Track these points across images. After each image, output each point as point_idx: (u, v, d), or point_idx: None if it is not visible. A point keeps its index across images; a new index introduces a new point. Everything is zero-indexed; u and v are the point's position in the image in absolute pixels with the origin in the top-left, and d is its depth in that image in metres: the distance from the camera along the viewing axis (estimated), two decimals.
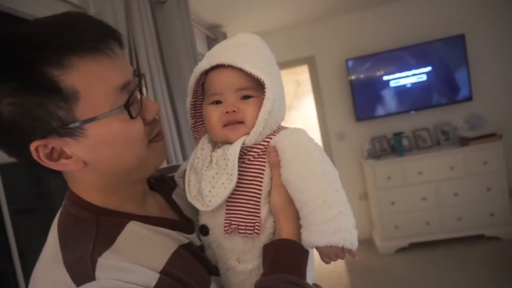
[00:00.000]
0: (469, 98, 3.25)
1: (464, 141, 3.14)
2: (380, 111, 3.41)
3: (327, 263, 0.56)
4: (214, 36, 2.85)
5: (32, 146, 0.47)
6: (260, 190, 0.60)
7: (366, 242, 3.47)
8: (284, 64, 3.38)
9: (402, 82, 3.33)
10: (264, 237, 0.60)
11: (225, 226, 0.60)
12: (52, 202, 1.37)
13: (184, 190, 0.64)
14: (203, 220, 0.63)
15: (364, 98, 3.41)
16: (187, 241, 0.59)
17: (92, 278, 0.44)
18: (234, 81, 0.61)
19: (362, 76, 3.41)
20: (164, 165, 0.86)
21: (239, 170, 0.59)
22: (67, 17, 0.48)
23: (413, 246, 3.22)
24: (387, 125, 3.48)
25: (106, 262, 0.46)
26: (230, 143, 0.61)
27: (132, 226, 0.53)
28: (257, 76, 0.59)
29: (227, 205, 0.61)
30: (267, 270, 0.55)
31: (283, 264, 0.54)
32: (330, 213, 0.53)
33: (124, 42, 0.53)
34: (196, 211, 0.64)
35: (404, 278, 2.83)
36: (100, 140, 0.49)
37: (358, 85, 3.40)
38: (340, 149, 3.61)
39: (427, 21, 3.33)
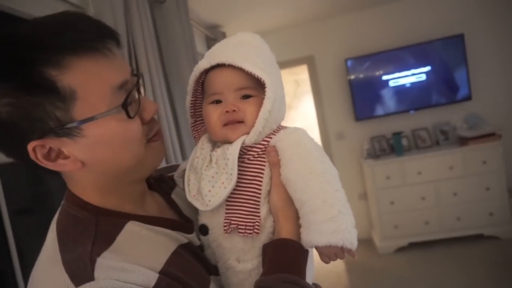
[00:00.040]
0: (468, 98, 3.25)
1: (463, 141, 3.14)
2: (379, 111, 3.41)
3: (327, 263, 0.56)
4: (214, 36, 2.84)
5: (30, 147, 0.47)
6: (260, 189, 0.60)
7: (365, 242, 3.47)
8: (284, 64, 3.38)
9: (401, 81, 3.33)
10: (264, 237, 0.60)
11: (224, 226, 0.60)
12: (51, 202, 1.37)
13: (183, 189, 0.64)
14: (203, 219, 0.63)
15: (363, 98, 3.41)
16: (186, 240, 0.59)
17: (91, 278, 0.44)
18: (234, 81, 0.61)
19: (361, 76, 3.41)
20: (163, 164, 0.86)
21: (238, 170, 0.59)
22: (64, 17, 0.48)
23: (412, 245, 3.22)
24: (387, 125, 3.48)
25: (105, 262, 0.46)
26: (230, 142, 0.61)
27: (131, 226, 0.53)
28: (258, 76, 0.59)
29: (227, 205, 0.61)
30: (266, 269, 0.55)
31: (283, 264, 0.54)
32: (330, 213, 0.52)
33: (121, 41, 0.53)
34: (195, 210, 0.64)
35: (403, 278, 2.83)
36: (98, 140, 0.49)
37: (358, 85, 3.41)
38: (340, 149, 3.61)
39: (426, 21, 3.33)
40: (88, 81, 0.46)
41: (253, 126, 0.60)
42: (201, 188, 0.60)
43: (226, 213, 0.60)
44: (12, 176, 1.15)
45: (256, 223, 0.59)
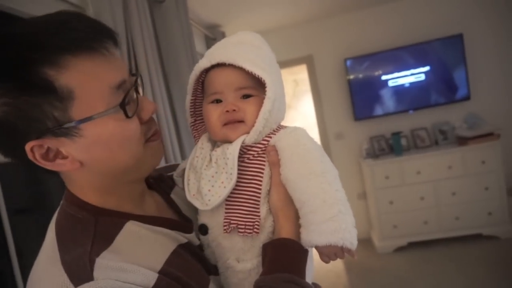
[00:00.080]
0: (467, 98, 3.26)
1: (462, 141, 3.15)
2: (378, 110, 3.42)
3: (327, 262, 0.56)
4: (213, 35, 2.84)
5: (28, 147, 0.46)
6: (260, 189, 0.60)
7: (364, 242, 3.47)
8: (283, 64, 3.37)
9: (401, 81, 3.34)
10: (264, 237, 0.60)
11: (224, 225, 0.60)
12: (50, 202, 1.37)
13: (183, 189, 0.64)
14: (202, 219, 0.63)
15: (362, 97, 3.42)
16: (185, 240, 0.59)
17: (90, 278, 0.44)
18: (234, 80, 0.61)
19: (360, 75, 3.41)
20: (163, 164, 0.86)
21: (238, 169, 0.59)
22: (61, 16, 0.48)
23: (411, 245, 3.23)
24: (386, 125, 3.49)
25: (104, 262, 0.46)
26: (230, 142, 0.61)
27: (131, 226, 0.53)
28: (258, 75, 0.59)
29: (227, 204, 0.61)
30: (266, 269, 0.55)
31: (283, 264, 0.54)
32: (329, 213, 0.52)
33: (119, 41, 0.52)
34: (195, 210, 0.64)
35: (402, 277, 2.84)
36: (96, 140, 0.49)
37: (357, 84, 3.41)
38: (339, 149, 3.61)
39: (425, 20, 3.33)
40: (85, 80, 0.46)
41: (253, 125, 0.60)
42: (200, 188, 0.60)
43: (226, 212, 0.60)
44: (11, 176, 1.15)
45: (256, 223, 0.59)
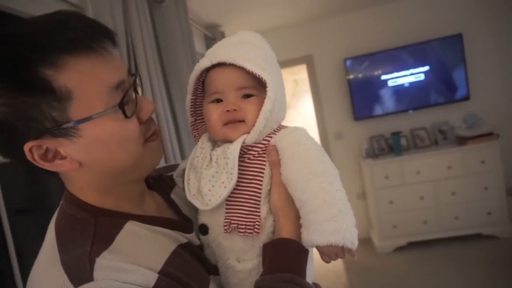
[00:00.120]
0: (466, 98, 3.26)
1: (461, 141, 3.15)
2: (378, 110, 3.42)
3: (327, 262, 0.56)
4: (212, 35, 2.84)
5: (26, 147, 0.46)
6: (260, 189, 0.60)
7: (364, 241, 3.48)
8: (282, 64, 3.36)
9: (400, 81, 3.34)
10: (264, 236, 0.60)
11: (224, 225, 0.60)
12: (50, 202, 1.37)
13: (183, 189, 0.63)
14: (203, 219, 0.63)
15: (362, 97, 3.42)
16: (185, 240, 0.59)
17: (90, 278, 0.44)
18: (235, 80, 0.61)
19: (360, 75, 3.41)
20: (162, 164, 0.86)
21: (239, 169, 0.59)
22: (59, 16, 0.48)
23: (411, 245, 3.23)
24: (385, 125, 3.49)
25: (104, 263, 0.46)
26: (230, 142, 0.61)
27: (131, 226, 0.53)
28: (259, 75, 0.59)
29: (227, 204, 0.60)
30: (266, 269, 0.55)
31: (283, 264, 0.54)
32: (330, 212, 0.52)
33: (117, 40, 0.52)
34: (195, 210, 0.64)
35: (402, 277, 2.84)
36: (95, 140, 0.48)
37: (356, 84, 3.41)
38: (338, 149, 3.61)
39: (424, 20, 3.34)
40: (84, 80, 0.46)
41: (253, 125, 0.60)
42: (201, 188, 0.60)
43: (226, 212, 0.60)
44: (10, 176, 1.15)
45: (256, 223, 0.59)
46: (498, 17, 3.25)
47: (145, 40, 1.51)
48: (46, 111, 0.45)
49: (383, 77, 3.36)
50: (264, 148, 0.61)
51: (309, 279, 0.61)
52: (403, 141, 3.38)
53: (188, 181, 0.63)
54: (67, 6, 1.26)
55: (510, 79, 3.31)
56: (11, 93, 0.44)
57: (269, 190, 0.60)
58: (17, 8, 1.05)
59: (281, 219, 0.58)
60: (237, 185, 0.59)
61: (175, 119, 1.76)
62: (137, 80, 0.55)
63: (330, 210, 0.53)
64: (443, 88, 3.30)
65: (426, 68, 3.28)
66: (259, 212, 0.59)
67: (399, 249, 3.25)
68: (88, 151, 0.49)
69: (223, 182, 0.59)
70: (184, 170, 0.65)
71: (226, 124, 0.61)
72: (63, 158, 0.49)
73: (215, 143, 0.65)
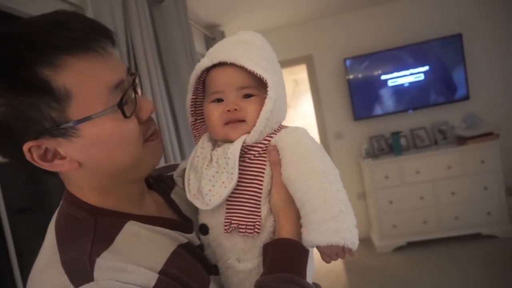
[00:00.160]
0: (466, 98, 3.26)
1: (461, 140, 3.15)
2: (378, 110, 3.42)
3: (328, 262, 0.56)
4: (212, 35, 2.84)
5: (25, 147, 0.46)
6: (261, 189, 0.60)
7: (364, 241, 3.48)
8: (282, 63, 3.33)
9: (400, 81, 3.34)
10: (264, 237, 0.60)
11: (225, 225, 0.60)
12: (50, 201, 1.37)
13: (183, 189, 0.63)
14: (203, 219, 0.63)
15: (362, 97, 3.42)
16: (186, 240, 0.59)
17: (90, 279, 0.44)
18: (236, 80, 0.61)
19: (360, 75, 3.41)
20: (162, 164, 0.86)
21: (239, 169, 0.59)
22: (57, 16, 0.48)
23: (411, 245, 3.23)
24: (385, 125, 3.49)
25: (104, 263, 0.46)
26: (231, 141, 0.61)
27: (131, 226, 0.53)
28: (260, 75, 0.59)
29: (227, 204, 0.60)
30: (267, 269, 0.55)
31: (283, 264, 0.54)
32: (330, 212, 0.52)
33: (116, 40, 0.52)
34: (195, 210, 0.64)
35: (401, 277, 2.84)
36: (94, 140, 0.48)
37: (356, 84, 3.41)
38: (338, 149, 3.61)
39: (424, 20, 3.34)
40: (82, 80, 0.46)
41: (254, 125, 0.60)
42: (201, 187, 0.60)
43: (227, 212, 0.60)
44: (10, 175, 1.15)
45: (257, 223, 0.59)
46: (498, 17, 3.25)
47: (145, 40, 1.51)
48: (45, 111, 0.45)
49: (383, 77, 3.36)
50: (264, 148, 0.61)
51: (309, 279, 0.61)
52: (402, 141, 3.38)
53: (189, 181, 0.63)
54: (67, 6, 1.26)
55: (509, 79, 3.31)
56: (10, 93, 0.44)
57: (270, 190, 0.60)
58: (17, 8, 1.05)
59: (281, 219, 0.58)
60: (237, 185, 0.59)
61: (175, 119, 1.76)
62: (137, 80, 0.55)
63: (330, 210, 0.52)
64: (442, 88, 3.30)
65: (426, 68, 3.28)
66: (259, 212, 0.59)
67: (399, 249, 3.25)
68: (88, 151, 0.49)
69: (223, 182, 0.59)
70: (184, 170, 0.65)
71: (226, 124, 0.61)
72: (62, 158, 0.49)
73: (216, 143, 0.65)
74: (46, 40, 0.44)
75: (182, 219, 0.64)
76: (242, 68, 0.59)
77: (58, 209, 0.56)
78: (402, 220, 3.22)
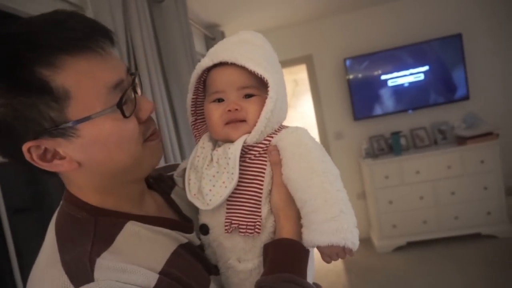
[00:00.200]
0: (466, 98, 3.26)
1: (461, 140, 3.15)
2: (378, 110, 3.42)
3: (328, 262, 0.56)
4: (212, 35, 2.84)
5: (25, 147, 0.46)
6: (261, 189, 0.60)
7: (364, 241, 3.48)
8: (282, 63, 3.30)
9: (400, 81, 3.34)
10: (265, 237, 0.60)
11: (225, 225, 0.59)
12: (50, 201, 1.37)
13: (183, 189, 0.63)
14: (203, 219, 0.63)
15: (362, 97, 3.42)
16: (186, 240, 0.58)
17: (90, 279, 0.44)
18: (237, 79, 0.61)
19: (360, 75, 3.41)
20: (162, 164, 0.86)
21: (240, 169, 0.59)
22: (56, 15, 0.48)
23: (411, 244, 3.23)
24: (385, 125, 3.49)
25: (105, 263, 0.46)
26: (231, 141, 0.61)
27: (131, 226, 0.53)
28: (261, 75, 0.59)
29: (228, 204, 0.60)
30: (267, 269, 0.55)
31: (284, 264, 0.54)
32: (331, 212, 0.52)
33: (116, 40, 0.52)
34: (195, 210, 0.64)
35: (401, 277, 2.84)
36: (94, 140, 0.48)
37: (356, 84, 3.41)
38: (338, 148, 3.62)
39: (424, 20, 3.34)
40: (81, 80, 0.46)
41: (255, 125, 0.60)
42: (201, 187, 0.60)
43: (227, 212, 0.60)
44: (10, 175, 1.15)
45: (257, 223, 0.58)
46: (498, 17, 3.25)
47: (145, 40, 1.51)
48: (44, 111, 0.45)
49: (383, 77, 3.36)
50: (265, 148, 0.61)
51: (310, 279, 0.61)
52: (402, 141, 3.38)
53: (189, 181, 0.63)
54: (67, 5, 1.26)
55: (509, 79, 3.31)
56: (9, 94, 0.44)
57: (270, 190, 0.60)
58: (17, 7, 1.05)
59: (282, 219, 0.58)
60: (238, 185, 0.59)
61: (175, 118, 1.76)
62: (137, 80, 0.55)
63: (331, 210, 0.52)
64: (442, 88, 3.30)
65: (426, 68, 3.28)
66: (260, 212, 0.59)
67: (399, 249, 3.25)
68: (87, 151, 0.49)
69: (224, 182, 0.59)
70: (184, 170, 0.65)
71: (227, 123, 0.61)
72: (62, 158, 0.49)
73: (216, 142, 0.65)
74: (45, 40, 0.44)
75: (182, 219, 0.64)
76: (243, 68, 0.59)
77: (58, 209, 0.56)
78: (402, 220, 3.22)
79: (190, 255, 0.57)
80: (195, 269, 0.56)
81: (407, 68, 3.31)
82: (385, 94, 3.38)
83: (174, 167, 0.73)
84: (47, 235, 0.53)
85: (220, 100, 0.62)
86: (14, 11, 1.05)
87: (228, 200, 0.60)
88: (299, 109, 4.97)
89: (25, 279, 1.00)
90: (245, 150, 0.61)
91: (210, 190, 0.59)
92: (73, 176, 0.53)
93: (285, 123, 0.67)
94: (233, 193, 0.59)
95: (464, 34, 3.21)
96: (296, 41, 3.55)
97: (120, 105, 0.49)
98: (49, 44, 0.44)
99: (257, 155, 0.61)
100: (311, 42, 3.55)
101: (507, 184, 3.14)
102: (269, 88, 0.59)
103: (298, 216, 0.57)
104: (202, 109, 0.67)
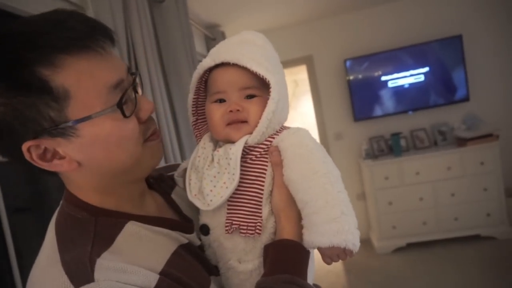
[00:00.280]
0: (466, 99, 3.27)
1: (461, 142, 3.15)
2: (378, 111, 3.42)
3: (329, 264, 0.56)
4: (212, 35, 2.84)
5: (24, 147, 0.46)
6: (262, 190, 0.59)
7: (363, 242, 3.46)
8: (283, 64, 3.33)
9: (400, 82, 3.34)
10: (265, 237, 0.59)
11: (226, 226, 0.59)
12: (50, 201, 1.37)
13: (184, 189, 0.63)
14: (204, 219, 0.63)
15: (362, 98, 3.42)
16: (186, 241, 0.58)
17: (91, 279, 0.44)
18: (238, 80, 0.61)
19: (360, 76, 3.41)
20: (162, 164, 0.85)
21: (241, 170, 0.58)
22: (56, 15, 0.47)
23: (410, 246, 3.23)
24: (385, 125, 3.49)
25: (105, 263, 0.46)
26: (232, 142, 0.61)
27: (131, 226, 0.53)
28: (262, 76, 0.58)
29: (229, 205, 0.60)
30: (267, 270, 0.55)
31: (284, 265, 0.54)
32: (332, 214, 0.52)
33: (116, 39, 0.52)
34: (196, 210, 0.64)
35: (401, 278, 2.84)
36: (93, 140, 0.48)
37: (356, 85, 3.41)
38: (338, 149, 3.62)
39: (424, 21, 3.34)
40: (81, 80, 0.46)
41: (256, 126, 0.60)
42: (202, 188, 0.60)
43: (228, 213, 0.60)
44: (10, 174, 1.14)
45: (258, 224, 0.58)
46: (498, 19, 3.26)
47: (145, 39, 1.51)
48: (43, 111, 0.45)
49: (383, 78, 3.36)
50: (266, 149, 0.61)
51: (310, 280, 0.60)
52: (402, 142, 3.38)
53: (190, 181, 0.62)
54: (67, 5, 1.26)
55: (509, 80, 3.31)
56: (8, 93, 0.43)
57: (271, 191, 0.60)
58: (17, 7, 1.05)
59: (282, 220, 0.58)
60: (238, 186, 0.59)
61: (175, 118, 1.76)
62: (137, 79, 0.54)
63: (332, 211, 0.52)
64: (442, 89, 3.30)
65: (426, 69, 3.29)
66: (260, 213, 0.59)
67: (398, 249, 3.25)
68: (87, 151, 0.49)
69: (225, 183, 0.59)
70: (185, 170, 0.65)
71: (228, 124, 0.61)
72: (61, 158, 0.48)
73: (217, 143, 0.65)
74: (45, 40, 0.44)
75: (183, 219, 0.63)
76: (244, 68, 0.59)
77: (58, 209, 0.56)
78: (401, 221, 3.22)
79: (191, 256, 0.57)
80: (195, 270, 0.56)
81: (407, 69, 3.31)
82: (385, 95, 3.38)
83: (175, 167, 0.73)
84: (47, 235, 0.53)
85: (221, 101, 0.62)
86: (14, 10, 1.05)
87: (229, 201, 0.60)
88: (299, 109, 4.97)
89: (24, 279, 1.00)
90: (246, 151, 0.61)
91: (211, 190, 0.59)
92: (73, 176, 0.53)
93: (285, 123, 0.67)
94: (234, 193, 0.59)
95: (464, 35, 3.22)
96: (296, 42, 3.55)
97: (120, 105, 0.49)
98: (49, 43, 0.44)
99: (258, 155, 0.61)
100: (312, 42, 3.55)
101: (507, 186, 3.14)
102: (271, 89, 0.59)
103: (299, 217, 0.57)
104: (203, 109, 0.67)
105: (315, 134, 3.64)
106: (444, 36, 3.23)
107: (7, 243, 1.05)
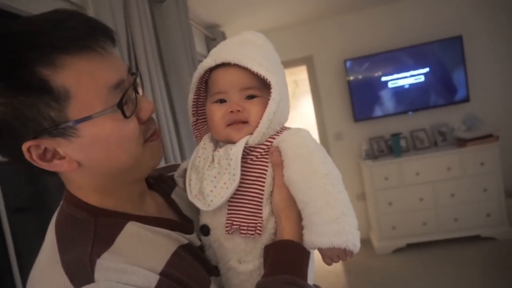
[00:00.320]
0: (466, 99, 3.27)
1: (461, 142, 3.15)
2: (378, 111, 3.42)
3: (329, 264, 0.56)
4: (213, 35, 2.84)
5: (24, 147, 0.46)
6: (263, 190, 0.59)
7: (363, 242, 3.43)
8: (283, 64, 3.34)
9: (400, 83, 3.34)
10: (266, 238, 0.59)
11: (226, 226, 0.59)
12: (50, 201, 1.37)
13: (184, 189, 0.63)
14: (204, 219, 0.63)
15: (362, 98, 3.42)
16: (186, 241, 0.58)
17: (91, 280, 0.43)
18: (239, 80, 0.61)
19: (360, 76, 3.41)
20: (162, 164, 0.85)
21: (241, 170, 0.58)
22: (56, 15, 0.47)
23: (410, 246, 3.23)
24: (385, 126, 3.49)
25: (105, 264, 0.46)
26: (233, 142, 0.61)
27: (131, 227, 0.53)
28: (263, 76, 0.58)
29: (229, 205, 0.60)
30: (268, 271, 0.55)
31: (284, 265, 0.54)
32: (333, 214, 0.52)
33: (116, 39, 0.52)
34: (196, 211, 0.64)
35: (401, 278, 2.84)
36: (94, 140, 0.48)
37: (356, 85, 3.41)
38: (338, 150, 3.62)
39: (425, 22, 3.34)
40: (81, 80, 0.46)
41: (257, 126, 0.59)
42: (203, 188, 0.60)
43: (228, 213, 0.60)
44: (10, 174, 1.14)
45: (258, 224, 0.58)
46: (498, 19, 3.26)
47: (146, 40, 1.51)
48: (43, 111, 0.45)
49: (383, 78, 3.36)
50: (266, 149, 0.61)
51: (310, 280, 0.60)
52: (402, 143, 3.38)
53: (190, 182, 0.62)
54: (68, 5, 1.26)
55: (509, 81, 3.31)
56: (9, 93, 0.43)
57: (271, 192, 0.60)
58: (17, 7, 1.05)
59: (283, 221, 0.58)
60: (239, 186, 0.59)
61: (175, 119, 1.76)
62: (138, 80, 0.54)
63: (332, 212, 0.52)
64: (442, 89, 3.30)
65: (426, 69, 3.29)
66: (261, 213, 0.59)
67: (398, 250, 3.25)
68: (87, 151, 0.49)
69: (225, 183, 0.59)
70: (185, 170, 0.65)
71: (229, 124, 0.61)
72: (61, 158, 0.48)
73: (217, 143, 0.65)
74: (45, 40, 0.44)
75: (183, 219, 0.63)
76: (245, 68, 0.59)
77: (58, 209, 0.56)
78: (401, 221, 3.22)
79: (191, 256, 0.57)
80: (195, 270, 0.56)
81: (407, 70, 3.31)
82: (385, 95, 3.38)
83: (175, 167, 0.73)
84: (47, 235, 0.53)
85: (222, 101, 0.62)
86: (14, 10, 1.05)
87: (229, 201, 0.60)
88: (299, 109, 4.97)
89: (24, 279, 1.00)
90: (247, 151, 0.61)
91: (211, 191, 0.59)
92: (73, 176, 0.53)
93: (285, 123, 0.67)
94: (234, 194, 0.59)
95: (465, 36, 3.22)
96: (296, 42, 3.55)
97: (120, 105, 0.49)
98: (49, 43, 0.44)
99: (259, 156, 0.61)
100: (312, 43, 3.55)
101: (506, 186, 3.14)
102: (271, 89, 0.59)
103: (299, 218, 0.57)
104: (204, 110, 0.67)
105: (315, 134, 3.64)
106: (444, 36, 3.23)
107: (7, 243, 1.05)
